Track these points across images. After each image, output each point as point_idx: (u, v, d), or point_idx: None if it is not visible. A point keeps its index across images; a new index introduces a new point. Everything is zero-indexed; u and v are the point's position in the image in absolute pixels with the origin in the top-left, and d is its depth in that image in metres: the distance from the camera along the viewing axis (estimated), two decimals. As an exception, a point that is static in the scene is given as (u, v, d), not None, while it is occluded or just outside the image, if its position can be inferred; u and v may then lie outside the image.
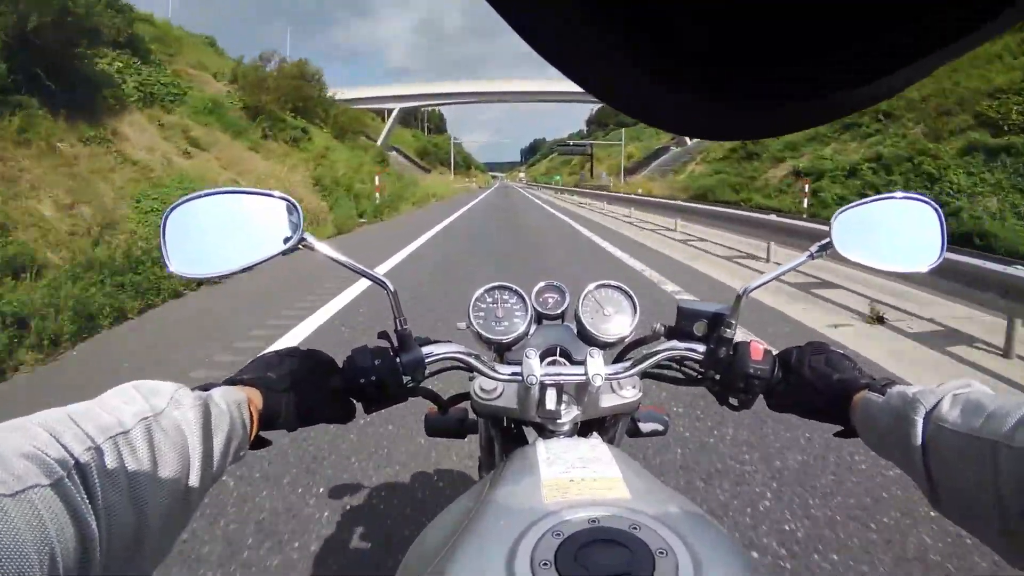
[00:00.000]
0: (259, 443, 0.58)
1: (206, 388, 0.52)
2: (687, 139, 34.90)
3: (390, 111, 46.39)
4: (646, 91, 0.15)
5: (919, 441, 0.48)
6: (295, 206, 0.59)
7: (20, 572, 0.27)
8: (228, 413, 0.50)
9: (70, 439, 0.34)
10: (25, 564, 0.27)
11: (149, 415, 0.41)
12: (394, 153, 42.63)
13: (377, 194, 15.09)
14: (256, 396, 0.57)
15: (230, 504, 1.92)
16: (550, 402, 0.68)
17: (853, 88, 0.14)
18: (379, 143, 36.57)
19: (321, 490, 2.02)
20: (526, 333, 0.77)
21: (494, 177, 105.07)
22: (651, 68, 0.14)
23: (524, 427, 0.75)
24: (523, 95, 47.88)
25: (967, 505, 0.44)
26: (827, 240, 0.65)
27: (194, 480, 0.43)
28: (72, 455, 0.34)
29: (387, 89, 49.39)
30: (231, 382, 0.58)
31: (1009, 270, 3.43)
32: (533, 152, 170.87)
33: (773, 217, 7.94)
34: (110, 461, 0.36)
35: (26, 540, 0.28)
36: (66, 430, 0.35)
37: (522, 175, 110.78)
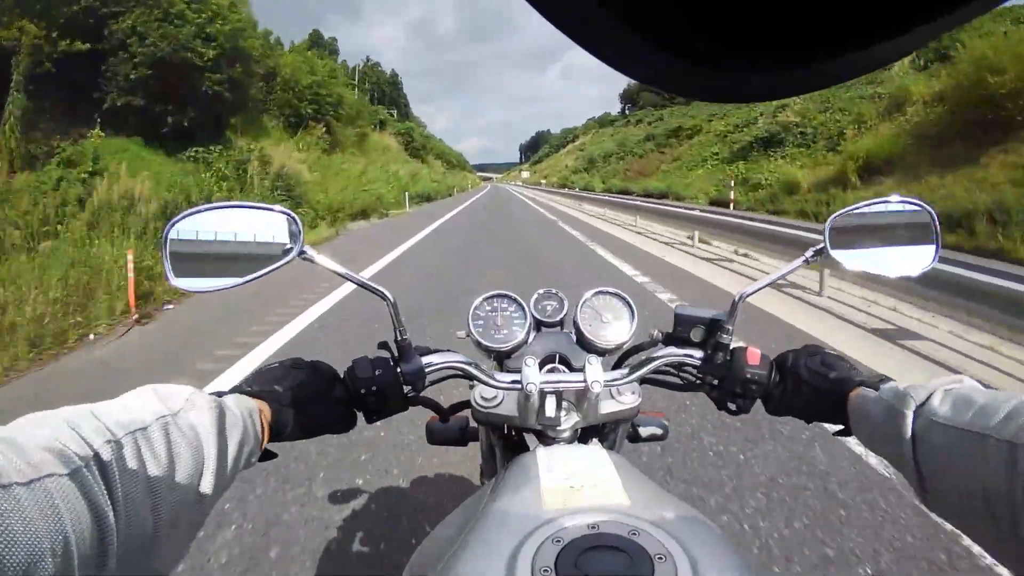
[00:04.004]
0: (266, 455, 0.59)
1: (218, 395, 0.53)
2: None
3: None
4: (658, 58, 0.15)
5: (909, 435, 0.48)
6: (295, 219, 0.61)
7: (30, 561, 0.27)
8: (241, 419, 0.51)
9: (90, 432, 0.35)
10: (36, 553, 0.27)
11: (167, 415, 0.42)
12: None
13: None
14: (265, 408, 0.58)
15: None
16: (550, 409, 0.68)
17: (848, 55, 0.14)
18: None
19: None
20: (525, 341, 0.77)
21: (486, 179, 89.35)
22: (661, 39, 0.14)
23: (525, 434, 0.75)
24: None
25: (955, 499, 0.44)
26: (821, 245, 0.65)
27: (208, 481, 0.44)
28: (91, 447, 0.34)
29: None
30: (238, 391, 0.58)
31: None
32: (536, 147, 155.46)
33: None
34: (129, 456, 0.37)
35: (39, 529, 0.28)
36: (86, 423, 0.35)
37: (525, 175, 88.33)
